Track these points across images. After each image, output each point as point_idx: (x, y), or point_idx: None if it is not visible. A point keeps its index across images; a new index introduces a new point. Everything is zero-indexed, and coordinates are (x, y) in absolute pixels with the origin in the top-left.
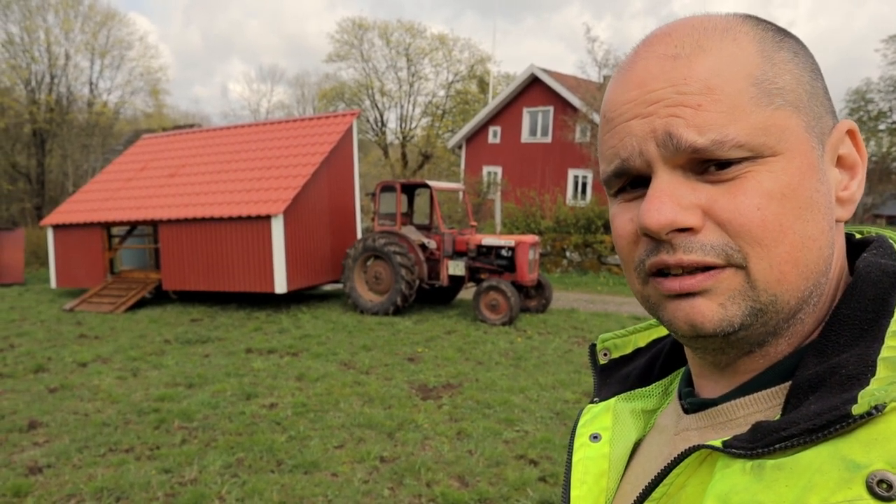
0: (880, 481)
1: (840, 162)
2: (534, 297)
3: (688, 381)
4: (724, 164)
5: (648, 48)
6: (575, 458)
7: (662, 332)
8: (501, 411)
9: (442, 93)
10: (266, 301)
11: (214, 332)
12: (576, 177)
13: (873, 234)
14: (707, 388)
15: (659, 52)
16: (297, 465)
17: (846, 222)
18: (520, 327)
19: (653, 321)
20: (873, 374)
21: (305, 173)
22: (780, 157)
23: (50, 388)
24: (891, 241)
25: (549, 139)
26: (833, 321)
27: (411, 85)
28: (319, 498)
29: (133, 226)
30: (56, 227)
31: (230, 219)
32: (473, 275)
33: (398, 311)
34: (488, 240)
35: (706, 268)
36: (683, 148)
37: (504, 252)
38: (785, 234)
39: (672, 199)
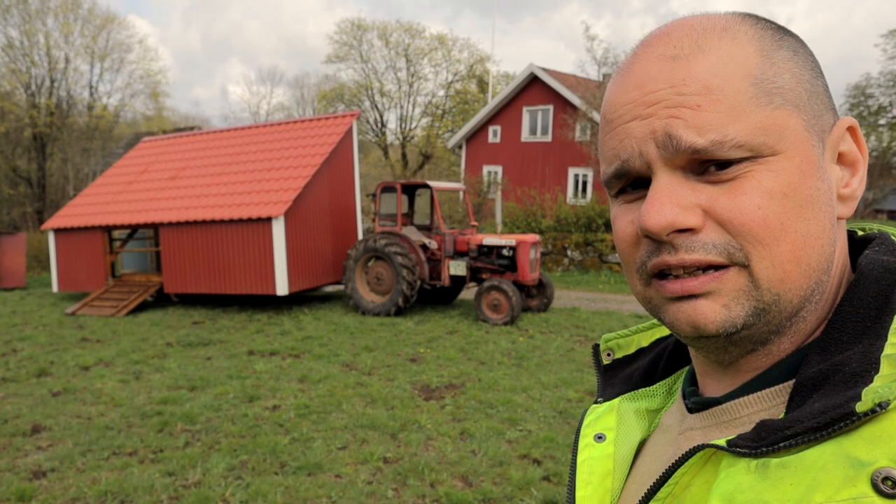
0: (885, 478)
1: (841, 159)
2: (535, 296)
3: (691, 381)
4: (725, 164)
5: (647, 49)
6: (580, 459)
7: (665, 331)
8: (504, 411)
9: (441, 93)
10: (267, 303)
11: (216, 335)
12: (576, 175)
13: (875, 231)
14: (711, 387)
15: (658, 52)
16: (300, 467)
17: (848, 219)
18: (521, 327)
19: (655, 321)
20: (877, 372)
21: (306, 175)
22: (781, 156)
23: (53, 391)
24: (893, 237)
25: (549, 138)
26: (836, 319)
27: (411, 85)
28: (323, 499)
29: (134, 229)
30: (57, 231)
31: (231, 221)
32: (475, 275)
33: (400, 312)
34: (489, 239)
35: (708, 268)
36: (683, 149)
37: (505, 252)
38: (786, 233)
39: (672, 200)
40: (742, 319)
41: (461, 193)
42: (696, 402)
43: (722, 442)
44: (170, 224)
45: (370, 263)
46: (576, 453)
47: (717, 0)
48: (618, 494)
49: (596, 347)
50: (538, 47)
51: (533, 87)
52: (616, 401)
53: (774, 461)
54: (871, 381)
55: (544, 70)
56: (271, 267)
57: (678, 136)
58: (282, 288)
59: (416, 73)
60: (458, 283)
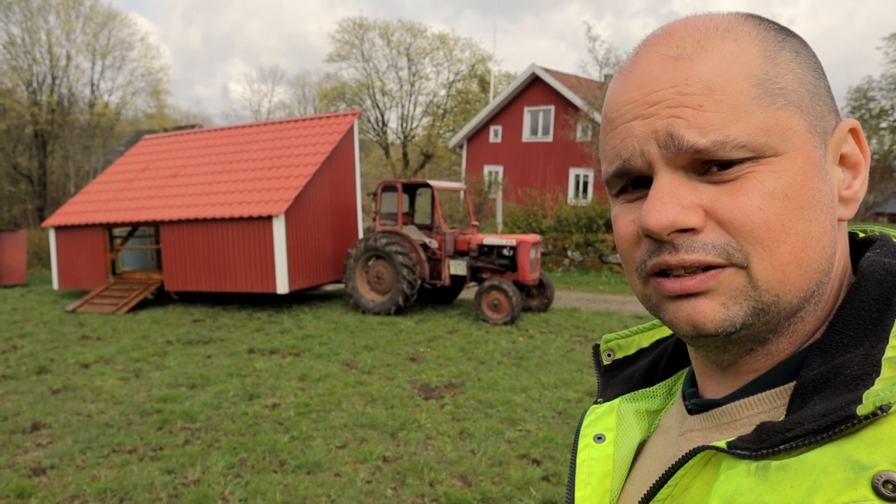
0: (886, 482)
1: (843, 161)
2: (535, 296)
3: (692, 382)
4: (726, 164)
5: (649, 48)
6: (579, 459)
7: (666, 332)
8: (504, 411)
9: (443, 92)
10: (268, 301)
11: (216, 333)
12: (577, 176)
13: (876, 234)
14: (711, 388)
15: (660, 52)
16: (299, 466)
17: (849, 221)
18: (521, 327)
19: (656, 321)
20: (878, 375)
21: (307, 173)
22: (783, 156)
23: (53, 389)
24: (894, 239)
25: (550, 138)
26: (837, 321)
27: (412, 84)
28: (322, 498)
29: (135, 227)
30: (58, 229)
31: (232, 219)
32: (475, 274)
33: (400, 311)
34: (490, 239)
35: (707, 268)
36: (685, 149)
37: (505, 251)
38: (787, 235)
39: (673, 200)
40: (741, 319)
41: (462, 193)
42: (697, 404)
43: (722, 444)
44: (170, 222)
45: (371, 262)
46: (575, 454)
47: (720, 1)
48: (617, 495)
49: (596, 348)
50: (539, 47)
51: (534, 87)
52: (616, 401)
53: (775, 463)
54: (873, 384)
55: (546, 70)
56: (272, 265)
57: (680, 136)
58: (282, 286)
59: (417, 72)
60: (458, 282)
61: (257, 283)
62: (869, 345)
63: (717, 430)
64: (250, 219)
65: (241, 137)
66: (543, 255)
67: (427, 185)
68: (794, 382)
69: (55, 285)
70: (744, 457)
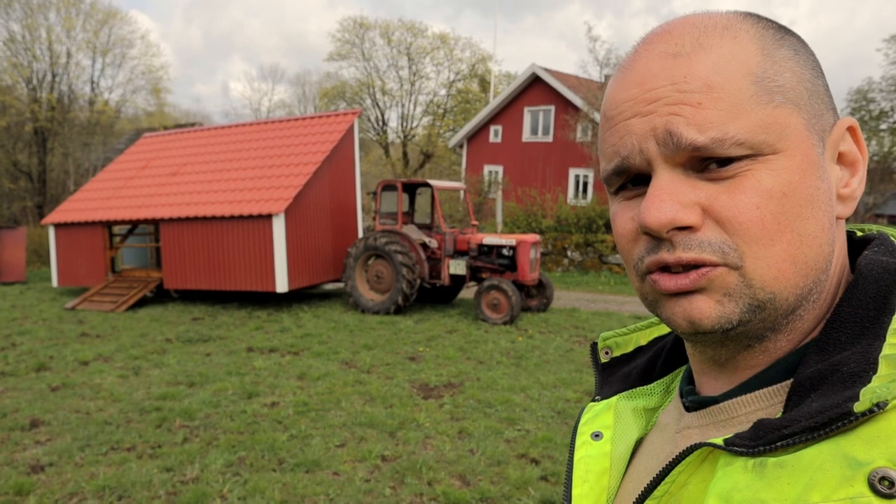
0: (882, 478)
1: (841, 159)
2: (535, 296)
3: (689, 379)
4: (725, 161)
5: (648, 46)
6: (576, 457)
7: (664, 330)
8: (503, 410)
9: (443, 92)
10: (267, 300)
11: (216, 331)
12: (577, 176)
13: (874, 232)
14: (708, 385)
15: (659, 50)
16: (298, 464)
17: (847, 220)
18: (521, 326)
19: (654, 319)
20: (875, 372)
21: (307, 172)
22: (781, 154)
23: (52, 386)
24: (892, 238)
25: (550, 138)
26: (834, 318)
27: (412, 84)
28: (321, 497)
29: (134, 224)
30: (57, 226)
31: (231, 218)
32: (474, 274)
33: (399, 311)
34: (489, 239)
35: (700, 265)
36: (684, 146)
37: (505, 251)
38: (783, 233)
39: (672, 198)
40: (737, 316)
41: (462, 193)
42: (694, 401)
43: (719, 441)
44: (170, 220)
45: (370, 262)
46: (573, 451)
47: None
48: (614, 492)
49: (594, 345)
50: (540, 47)
51: (534, 87)
52: (613, 399)
53: (772, 460)
54: (870, 382)
55: (546, 70)
56: (271, 264)
57: (679, 134)
58: (282, 285)
59: (417, 71)
60: (457, 282)
61: (257, 281)
62: (866, 342)
63: (714, 427)
64: (250, 217)
65: (241, 136)
66: (543, 255)
67: (427, 185)
68: (792, 380)
69: (54, 283)
70: (741, 454)
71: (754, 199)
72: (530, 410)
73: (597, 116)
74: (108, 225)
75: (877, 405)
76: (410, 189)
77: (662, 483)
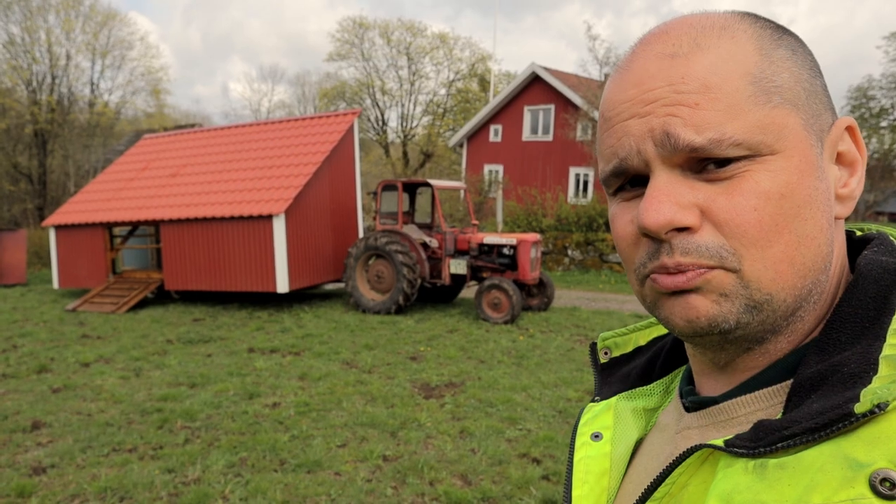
0: (883, 480)
1: (839, 159)
2: (536, 295)
3: (689, 380)
4: (723, 162)
5: (646, 47)
6: (576, 457)
7: (663, 330)
8: (504, 410)
9: (443, 91)
10: (268, 300)
11: (217, 332)
12: (577, 175)
13: (874, 232)
14: (708, 386)
15: (656, 50)
16: (300, 465)
17: (847, 219)
18: (522, 326)
19: (653, 319)
20: (875, 373)
21: (307, 172)
22: (779, 155)
23: (53, 388)
24: (891, 238)
25: (550, 137)
26: (834, 319)
27: (412, 84)
28: (322, 497)
29: (135, 226)
30: (58, 228)
31: (232, 218)
32: (475, 273)
33: (400, 310)
34: (490, 238)
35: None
36: (681, 147)
37: (506, 250)
38: (781, 234)
39: (670, 199)
40: (735, 316)
41: (462, 192)
42: (694, 402)
43: (719, 442)
44: (171, 221)
45: (371, 261)
46: (572, 452)
47: (720, 1)
48: (614, 493)
49: (593, 346)
50: (540, 46)
51: (534, 86)
52: (613, 399)
53: (772, 461)
54: (870, 382)
55: (546, 69)
56: (272, 264)
57: (676, 135)
58: (282, 285)
59: (417, 71)
60: (458, 281)
61: (257, 282)
62: (866, 343)
63: (714, 427)
64: (250, 218)
65: (241, 137)
66: (543, 254)
67: (427, 185)
68: (792, 380)
69: (55, 284)
70: (741, 455)
71: (752, 201)
72: (532, 410)
73: (597, 115)
74: (109, 226)
75: (877, 406)
76: (411, 189)
77: (663, 484)
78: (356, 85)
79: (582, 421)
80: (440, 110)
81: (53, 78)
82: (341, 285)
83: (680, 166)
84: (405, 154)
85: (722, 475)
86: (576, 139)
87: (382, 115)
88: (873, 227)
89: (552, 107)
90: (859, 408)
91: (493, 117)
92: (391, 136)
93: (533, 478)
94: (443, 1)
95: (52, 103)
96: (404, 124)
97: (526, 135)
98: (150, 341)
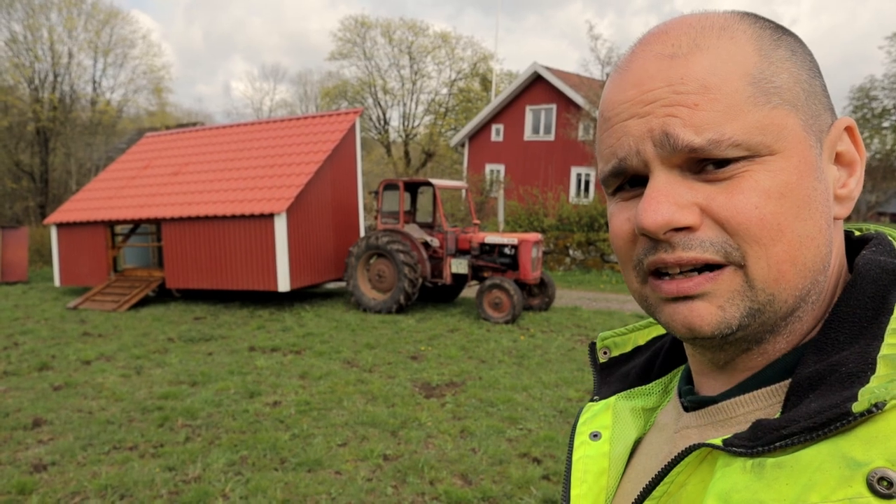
0: (881, 479)
1: (838, 159)
2: (537, 295)
3: (688, 379)
4: (722, 163)
5: (645, 47)
6: (575, 457)
7: (662, 329)
8: (504, 409)
9: (445, 91)
10: (269, 299)
11: (218, 331)
12: (579, 175)
13: (872, 232)
14: (707, 385)
15: (656, 50)
16: (300, 463)
17: (846, 220)
18: (523, 325)
19: (653, 319)
20: (873, 372)
21: (308, 171)
22: (778, 155)
23: (54, 385)
24: (890, 238)
25: (552, 137)
26: (832, 319)
27: (414, 83)
28: (323, 496)
29: (136, 224)
30: (60, 226)
31: (233, 217)
32: (476, 273)
33: (401, 310)
34: (491, 238)
35: (703, 268)
36: (680, 147)
37: (507, 250)
38: (783, 233)
39: (669, 199)
40: (737, 321)
41: (463, 192)
42: (692, 401)
43: (718, 441)
44: (172, 219)
45: (372, 261)
46: (571, 451)
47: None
48: (613, 493)
49: (592, 345)
50: (541, 46)
51: (536, 85)
52: (612, 399)
53: (770, 461)
54: (868, 382)
55: (548, 69)
56: (273, 263)
57: (675, 135)
58: (283, 284)
59: (419, 70)
60: (459, 281)
61: (259, 280)
62: (864, 342)
63: (712, 427)
64: (252, 216)
65: (243, 135)
66: (545, 253)
67: (429, 184)
68: (790, 380)
69: (57, 282)
70: (739, 454)
71: (753, 200)
72: (532, 409)
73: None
74: (111, 224)
75: (875, 405)
76: (412, 188)
77: (661, 483)
78: (358, 84)
79: (581, 420)
80: (442, 110)
81: (55, 76)
82: (342, 284)
83: (679, 167)
84: (407, 153)
85: (720, 474)
86: (577, 139)
87: (384, 114)
88: (872, 228)
89: (554, 106)
90: (857, 407)
91: (495, 117)
92: (393, 135)
93: (533, 477)
94: (444, 0)
95: (55, 101)
96: (406, 123)
97: (527, 134)
98: (151, 339)
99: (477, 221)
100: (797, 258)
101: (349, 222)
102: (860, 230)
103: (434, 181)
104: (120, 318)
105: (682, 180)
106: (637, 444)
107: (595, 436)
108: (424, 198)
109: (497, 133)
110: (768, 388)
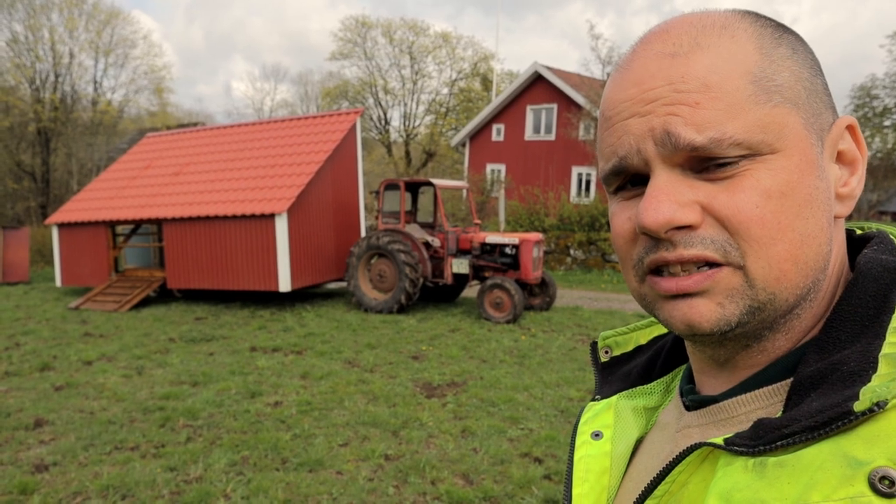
0: (882, 478)
1: (840, 158)
2: (538, 294)
3: (689, 378)
4: (723, 161)
5: (646, 46)
6: (576, 456)
7: (664, 329)
8: (506, 409)
9: (445, 90)
10: (270, 299)
11: (219, 331)
12: (580, 174)
13: (874, 230)
14: (708, 384)
15: (657, 49)
16: (301, 464)
17: (847, 218)
18: (524, 325)
19: (654, 318)
20: (875, 371)
21: (309, 172)
22: (779, 154)
23: (56, 386)
24: (892, 237)
25: (552, 137)
26: (834, 317)
27: (415, 83)
28: (324, 496)
29: (137, 224)
30: (61, 226)
31: (234, 217)
32: (477, 273)
33: (402, 310)
34: (492, 238)
35: (703, 265)
36: (682, 146)
37: (508, 250)
38: (783, 232)
39: (670, 198)
40: (737, 318)
41: (464, 191)
42: (694, 400)
43: (719, 440)
44: (173, 220)
45: (373, 261)
46: (573, 450)
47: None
48: (614, 492)
49: (594, 345)
50: (542, 46)
51: (537, 85)
52: (614, 398)
53: (772, 460)
54: (870, 381)
55: (548, 69)
56: (274, 263)
57: (676, 134)
58: (284, 284)
59: (420, 70)
60: (460, 281)
61: (260, 281)
62: (866, 341)
63: (714, 426)
64: (253, 217)
65: (244, 135)
66: (546, 253)
67: (429, 184)
68: (792, 379)
69: (58, 282)
70: (741, 453)
71: (753, 198)
72: (533, 409)
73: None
74: (112, 225)
75: (877, 404)
76: (413, 188)
77: (663, 483)
78: (359, 84)
79: (582, 419)
80: (442, 109)
81: (57, 76)
82: (343, 284)
83: (680, 166)
84: (407, 153)
85: (722, 473)
86: (578, 138)
87: (385, 114)
88: (873, 226)
89: (555, 106)
90: (859, 406)
91: (496, 117)
92: (393, 135)
93: (535, 477)
94: (444, 0)
95: (56, 101)
96: (407, 123)
97: (528, 134)
98: (152, 340)
99: (478, 221)
100: (798, 257)
101: (350, 222)
102: (861, 229)
103: (435, 181)
104: (121, 319)
105: (684, 179)
106: (639, 443)
107: (597, 435)
108: (425, 198)
109: (498, 133)
110: (770, 387)
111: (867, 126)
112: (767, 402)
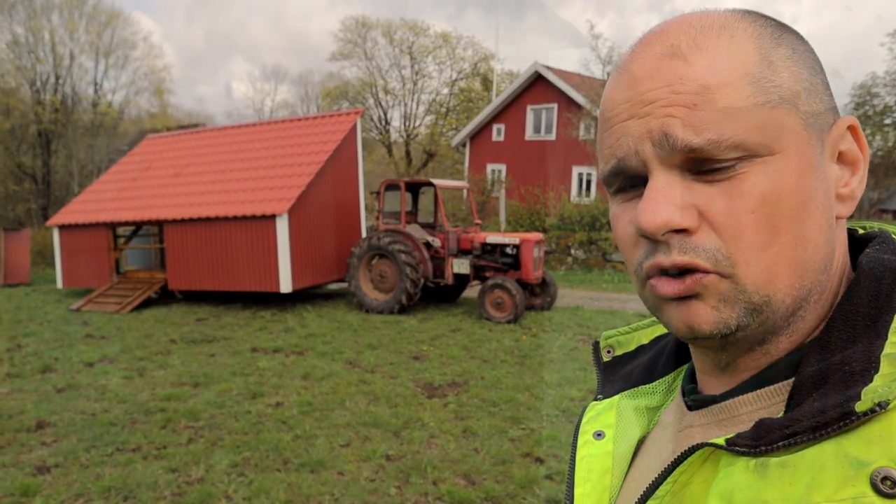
0: (884, 478)
1: (841, 158)
2: (539, 294)
3: (691, 378)
4: (721, 163)
5: (645, 47)
6: (578, 456)
7: (665, 328)
8: (507, 409)
9: (446, 91)
10: (271, 300)
11: (220, 332)
12: (580, 174)
13: (875, 230)
14: (710, 384)
15: (655, 50)
16: (303, 464)
17: (849, 218)
18: (525, 325)
19: (656, 318)
20: (877, 371)
21: (310, 172)
22: (778, 155)
23: (57, 387)
24: (893, 236)
25: (553, 136)
26: (835, 317)
27: (415, 83)
28: (326, 497)
29: (138, 226)
30: (62, 228)
31: (235, 218)
32: (478, 273)
33: (403, 310)
34: (493, 238)
35: (693, 270)
36: (679, 148)
37: (509, 250)
38: (779, 235)
39: (668, 200)
40: (735, 320)
41: (465, 191)
42: (696, 400)
43: (721, 441)
44: (174, 221)
45: (374, 261)
46: (575, 450)
47: None
48: (616, 492)
49: (596, 344)
50: (542, 45)
51: (537, 85)
52: (616, 398)
53: (773, 460)
54: (871, 381)
55: (549, 68)
56: (275, 264)
57: (674, 135)
58: (285, 285)
59: (420, 70)
60: (461, 281)
61: (261, 281)
62: (868, 341)
63: (716, 426)
64: (253, 217)
65: (244, 136)
66: (546, 253)
67: (430, 184)
68: (793, 379)
69: (59, 284)
70: (742, 454)
71: (749, 204)
72: (535, 409)
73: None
74: (113, 226)
75: (878, 405)
76: (413, 188)
77: (664, 483)
78: (359, 84)
79: (584, 419)
80: (443, 110)
81: (57, 78)
82: (344, 285)
83: (678, 167)
84: (408, 153)
85: (723, 474)
86: (578, 138)
87: (385, 114)
88: (875, 226)
89: (555, 106)
90: (860, 406)
91: (496, 116)
92: (394, 135)
93: (536, 477)
94: (445, 0)
95: (56, 103)
96: (407, 124)
97: (529, 134)
98: (153, 341)
99: (478, 221)
100: (793, 259)
101: (351, 223)
102: (863, 228)
103: (435, 181)
104: (122, 320)
105: (681, 181)
106: (641, 442)
107: (599, 435)
108: (426, 198)
109: (498, 133)
110: (771, 387)
111: (868, 124)
112: (769, 402)
